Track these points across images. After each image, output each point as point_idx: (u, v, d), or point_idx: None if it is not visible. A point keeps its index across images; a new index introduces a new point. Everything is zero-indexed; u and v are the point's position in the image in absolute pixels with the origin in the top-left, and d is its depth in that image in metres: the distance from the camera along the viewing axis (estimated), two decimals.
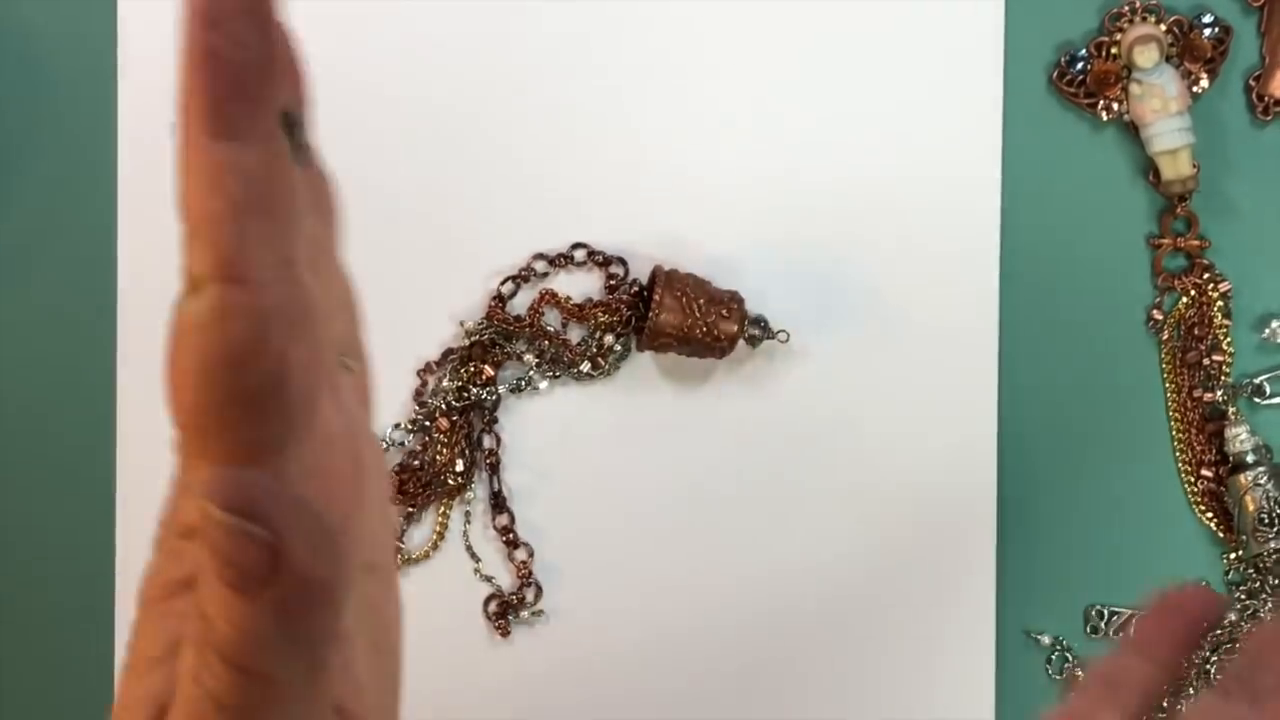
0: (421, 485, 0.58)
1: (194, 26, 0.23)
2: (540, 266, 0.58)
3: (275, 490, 0.24)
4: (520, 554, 0.58)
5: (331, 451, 0.27)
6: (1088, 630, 0.58)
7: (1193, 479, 0.57)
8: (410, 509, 0.58)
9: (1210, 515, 0.57)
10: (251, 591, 0.24)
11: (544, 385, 0.58)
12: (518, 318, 0.58)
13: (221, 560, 0.24)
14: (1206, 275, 0.57)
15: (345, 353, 0.31)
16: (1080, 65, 0.57)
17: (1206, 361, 0.57)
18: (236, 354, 0.24)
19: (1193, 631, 0.34)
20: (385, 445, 0.58)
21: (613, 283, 0.58)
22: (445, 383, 0.58)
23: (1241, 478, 0.56)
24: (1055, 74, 0.57)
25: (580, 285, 0.58)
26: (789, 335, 0.57)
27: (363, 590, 0.30)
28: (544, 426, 0.58)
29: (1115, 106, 0.56)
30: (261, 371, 0.24)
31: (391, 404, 0.58)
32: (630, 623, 0.58)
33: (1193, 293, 0.57)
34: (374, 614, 0.31)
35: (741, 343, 0.56)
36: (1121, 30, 0.56)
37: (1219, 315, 0.57)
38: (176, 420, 0.25)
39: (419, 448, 0.58)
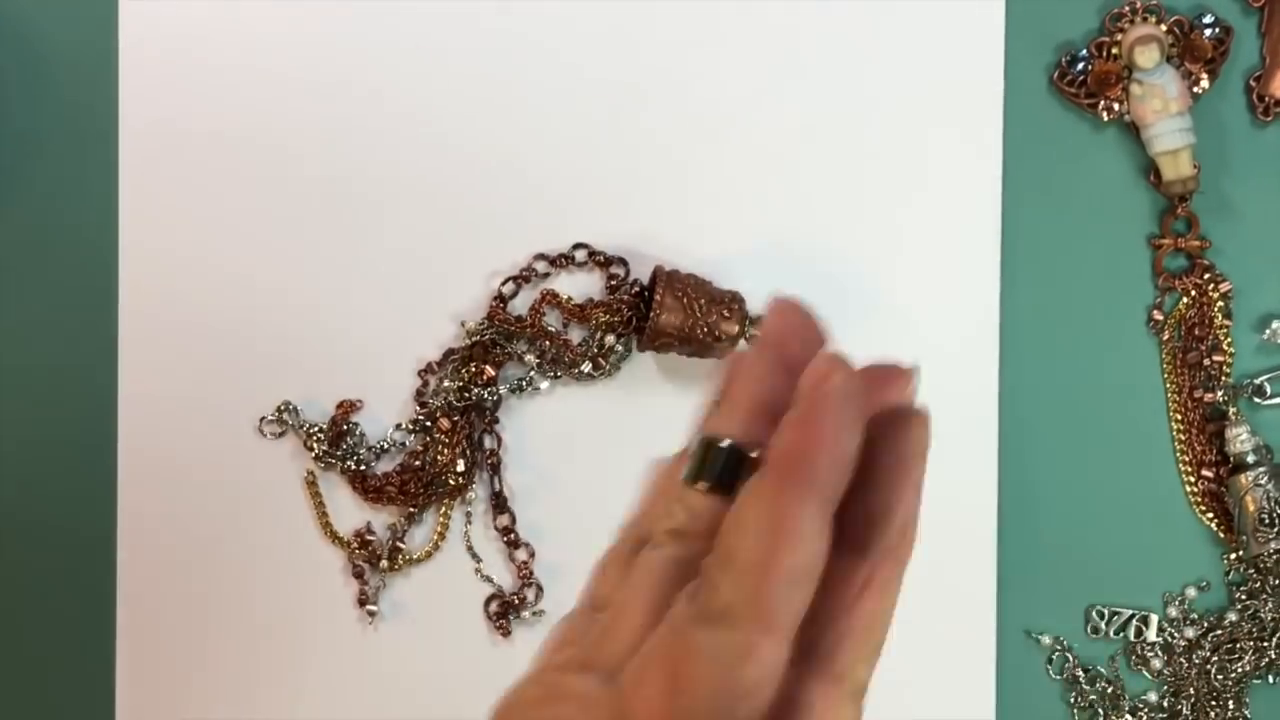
0: (423, 485, 0.58)
1: (844, 416, 0.27)
2: (541, 267, 0.58)
3: None
4: (521, 554, 0.58)
5: None
6: (1088, 630, 0.58)
7: (1193, 479, 0.58)
8: (411, 509, 0.58)
9: (1211, 515, 0.57)
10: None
11: (545, 385, 0.58)
12: (519, 318, 0.58)
13: None
14: (1207, 275, 0.57)
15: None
16: (1081, 65, 0.57)
17: (1207, 362, 0.57)
18: (736, 696, 0.26)
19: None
20: (387, 446, 0.58)
21: (614, 283, 0.58)
22: (446, 383, 0.58)
23: (1242, 478, 0.56)
24: (1056, 74, 0.57)
25: (581, 285, 0.58)
26: None
27: None
28: (545, 427, 0.58)
29: (1116, 107, 0.56)
30: (748, 712, 0.26)
31: (393, 404, 0.58)
32: None
33: (1193, 293, 0.57)
34: None
35: (742, 342, 0.56)
36: (1122, 31, 0.56)
37: (1220, 315, 0.57)
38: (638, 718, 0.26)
39: (420, 448, 0.58)
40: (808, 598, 0.26)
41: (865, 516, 0.29)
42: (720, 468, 0.28)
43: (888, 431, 0.29)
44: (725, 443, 0.28)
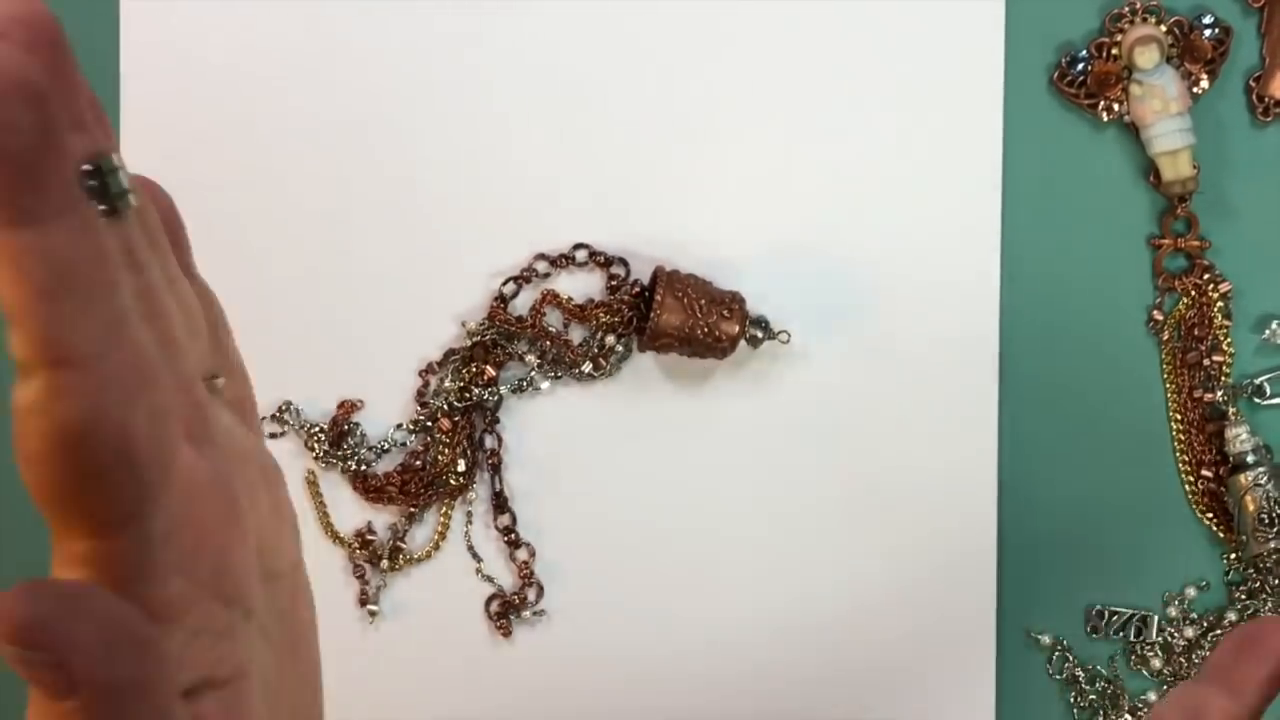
0: (423, 485, 0.58)
1: None
2: (542, 267, 0.58)
3: (61, 606, 0.24)
4: (522, 554, 0.58)
5: (196, 499, 0.27)
6: (1088, 630, 0.58)
7: (1193, 479, 0.58)
8: (412, 509, 0.58)
9: (1210, 515, 0.57)
10: (62, 700, 0.25)
11: (545, 386, 0.58)
12: (519, 318, 0.58)
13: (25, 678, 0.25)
14: (1207, 276, 0.57)
15: (212, 372, 0.31)
16: (1081, 66, 0.57)
17: (1207, 362, 0.57)
18: (74, 435, 0.24)
19: (1273, 669, 0.32)
20: (388, 445, 0.58)
21: (614, 283, 0.58)
22: (447, 383, 0.58)
23: (1242, 478, 0.56)
24: (1056, 74, 0.57)
25: (582, 286, 0.58)
26: (790, 336, 0.57)
27: (270, 599, 0.30)
28: (546, 427, 0.58)
29: (1116, 107, 0.56)
30: (102, 448, 0.24)
31: (394, 404, 0.59)
32: (631, 623, 0.58)
33: (1193, 293, 0.57)
34: (285, 619, 0.32)
35: (743, 343, 0.56)
36: (1122, 31, 0.56)
37: (1219, 316, 0.57)
38: (35, 502, 0.25)
39: (421, 448, 0.58)
40: (108, 300, 0.24)
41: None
42: None
43: None
44: None
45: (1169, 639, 0.58)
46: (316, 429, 0.58)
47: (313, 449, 0.58)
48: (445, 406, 0.58)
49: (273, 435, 0.58)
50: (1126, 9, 0.56)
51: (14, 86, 0.23)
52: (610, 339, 0.58)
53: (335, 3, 0.58)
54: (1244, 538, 0.56)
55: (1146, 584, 0.58)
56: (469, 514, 0.59)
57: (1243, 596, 0.57)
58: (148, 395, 0.25)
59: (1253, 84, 0.57)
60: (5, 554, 0.60)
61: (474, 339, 0.58)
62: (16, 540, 0.60)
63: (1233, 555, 0.57)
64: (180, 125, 0.58)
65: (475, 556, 0.59)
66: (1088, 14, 0.57)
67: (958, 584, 0.58)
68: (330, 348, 0.58)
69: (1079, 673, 0.58)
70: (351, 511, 0.59)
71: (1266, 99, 0.57)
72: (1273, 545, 0.56)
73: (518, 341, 0.58)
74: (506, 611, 0.58)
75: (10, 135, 0.23)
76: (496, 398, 0.58)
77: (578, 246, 0.58)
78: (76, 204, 0.24)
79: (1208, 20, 0.56)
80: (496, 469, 0.58)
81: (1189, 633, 0.57)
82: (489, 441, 0.58)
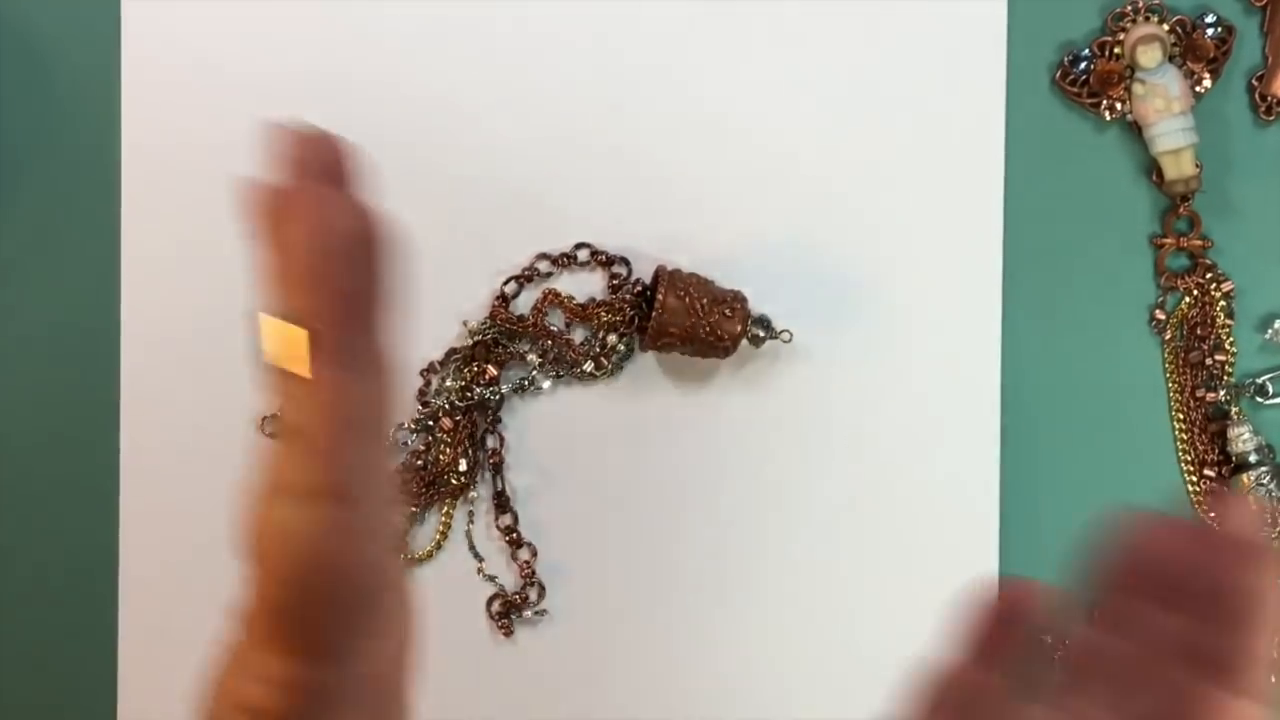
0: (425, 485, 0.58)
1: (311, 253, 0.24)
2: (543, 266, 0.58)
3: None
4: (523, 554, 0.58)
5: (389, 629, 0.28)
6: None
7: (1195, 479, 0.58)
8: (413, 508, 0.58)
9: (1213, 516, 0.57)
10: None
11: (547, 385, 0.58)
12: (521, 317, 0.58)
13: None
14: (1209, 275, 0.57)
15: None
16: (1083, 65, 0.57)
17: (1209, 361, 0.57)
18: (329, 566, 0.26)
19: (1019, 628, 0.32)
20: (388, 445, 0.58)
21: (616, 282, 0.58)
22: (449, 382, 0.58)
23: (1244, 478, 0.56)
24: (1058, 74, 0.57)
25: (583, 285, 0.58)
26: (792, 335, 0.57)
27: None
28: (547, 426, 0.58)
29: (1118, 106, 0.56)
30: (345, 584, 0.26)
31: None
32: (633, 622, 0.58)
33: (1195, 293, 0.57)
34: None
35: (744, 342, 0.56)
36: (1124, 30, 0.56)
37: (1222, 315, 0.57)
38: (253, 608, 0.26)
39: (422, 447, 0.58)
40: None
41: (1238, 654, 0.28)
42: None
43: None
44: None
45: None
46: None
47: None
48: (447, 406, 0.58)
49: (274, 435, 0.58)
50: (1129, 8, 0.56)
51: (373, 236, 0.26)
52: (612, 338, 0.57)
53: (335, 3, 0.58)
54: None
55: None
56: (470, 514, 0.59)
57: None
58: (385, 538, 0.27)
59: (1255, 83, 0.57)
60: (7, 558, 0.60)
61: (475, 338, 0.58)
62: (18, 544, 0.60)
63: None
64: (180, 125, 0.58)
65: (477, 556, 0.59)
66: (1090, 13, 0.57)
67: (958, 584, 0.58)
68: None
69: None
70: None
71: (1269, 98, 0.57)
72: (1274, 546, 0.56)
73: (519, 341, 0.58)
74: (508, 611, 0.58)
75: (362, 278, 0.25)
76: (498, 397, 0.58)
77: (579, 246, 0.58)
78: (384, 357, 0.26)
79: (1210, 19, 0.56)
80: (498, 468, 0.58)
81: None
82: (490, 441, 0.58)
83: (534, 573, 0.58)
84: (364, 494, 0.26)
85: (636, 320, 0.57)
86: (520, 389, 0.58)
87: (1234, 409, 0.57)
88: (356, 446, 0.26)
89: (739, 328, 0.56)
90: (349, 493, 0.26)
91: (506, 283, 0.58)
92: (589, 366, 0.58)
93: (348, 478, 0.26)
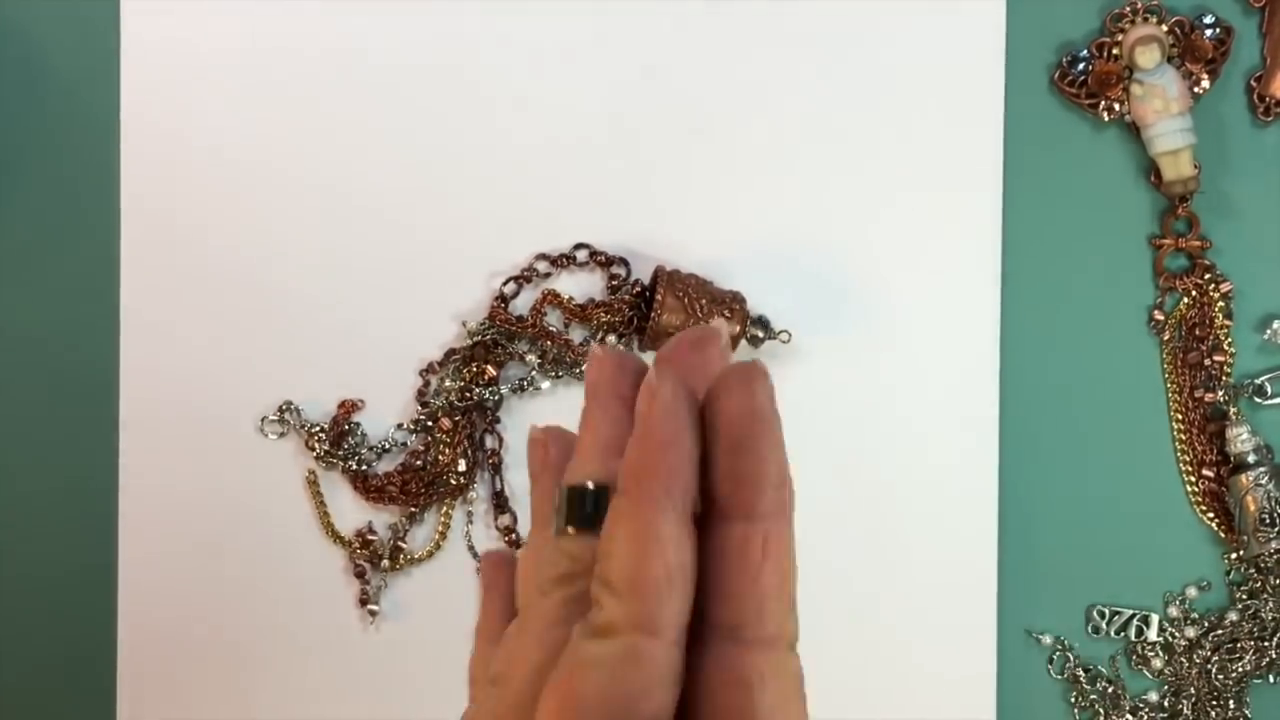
0: (424, 485, 0.58)
1: (675, 422, 0.28)
2: (542, 267, 0.58)
3: None
4: None
5: None
6: (1088, 630, 0.58)
7: (1194, 479, 0.58)
8: (413, 509, 0.58)
9: (1211, 515, 0.57)
10: None
11: (546, 385, 0.58)
12: (520, 318, 0.58)
13: None
14: (1208, 276, 0.57)
15: None
16: (1082, 66, 0.57)
17: (1208, 362, 0.57)
18: (628, 698, 0.27)
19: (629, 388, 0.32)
20: (388, 445, 0.58)
21: (615, 283, 0.58)
22: (448, 383, 0.58)
23: (1242, 478, 0.56)
24: (1057, 74, 0.57)
25: (582, 286, 0.58)
26: (791, 335, 0.57)
27: None
28: None
29: (1117, 107, 0.56)
30: (651, 711, 0.27)
31: (394, 404, 0.59)
32: None
33: (1194, 293, 0.57)
34: None
35: (743, 343, 0.56)
36: (1123, 31, 0.56)
37: (1220, 316, 0.57)
38: None
39: (421, 447, 0.58)
40: (687, 595, 0.28)
41: (742, 482, 0.30)
42: (586, 509, 0.29)
43: (730, 395, 0.30)
44: (586, 485, 0.30)
45: (1170, 639, 0.58)
46: (317, 429, 0.58)
47: (313, 449, 0.58)
48: (446, 406, 0.58)
49: (273, 435, 0.58)
50: (1127, 9, 0.56)
51: (688, 410, 0.28)
52: (611, 339, 0.58)
53: (335, 3, 0.58)
54: (1245, 538, 0.56)
55: (1147, 584, 0.58)
56: (469, 514, 0.59)
57: (1244, 596, 0.57)
58: (677, 683, 0.28)
59: (1254, 84, 0.57)
60: (7, 559, 0.60)
61: (474, 339, 0.58)
62: (19, 545, 0.60)
63: (1234, 555, 0.57)
64: (180, 125, 0.58)
65: (475, 556, 0.59)
66: (1088, 14, 0.57)
67: (958, 584, 0.58)
68: (331, 348, 0.58)
69: (1079, 672, 0.58)
70: (352, 511, 0.59)
71: (1267, 99, 0.57)
72: (1274, 545, 0.56)
73: (518, 341, 0.58)
74: None
75: (692, 446, 0.28)
76: (497, 397, 0.58)
77: (578, 246, 0.58)
78: (691, 509, 0.28)
79: (1209, 20, 0.56)
80: (497, 469, 0.58)
81: (1190, 633, 0.57)
82: (489, 441, 0.58)
83: None
84: (670, 637, 0.28)
85: (635, 321, 0.57)
86: (519, 389, 0.58)
87: (1232, 409, 0.57)
88: (670, 589, 0.28)
89: (738, 328, 0.56)
90: (658, 630, 0.27)
91: (505, 283, 0.58)
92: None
93: (658, 617, 0.27)
